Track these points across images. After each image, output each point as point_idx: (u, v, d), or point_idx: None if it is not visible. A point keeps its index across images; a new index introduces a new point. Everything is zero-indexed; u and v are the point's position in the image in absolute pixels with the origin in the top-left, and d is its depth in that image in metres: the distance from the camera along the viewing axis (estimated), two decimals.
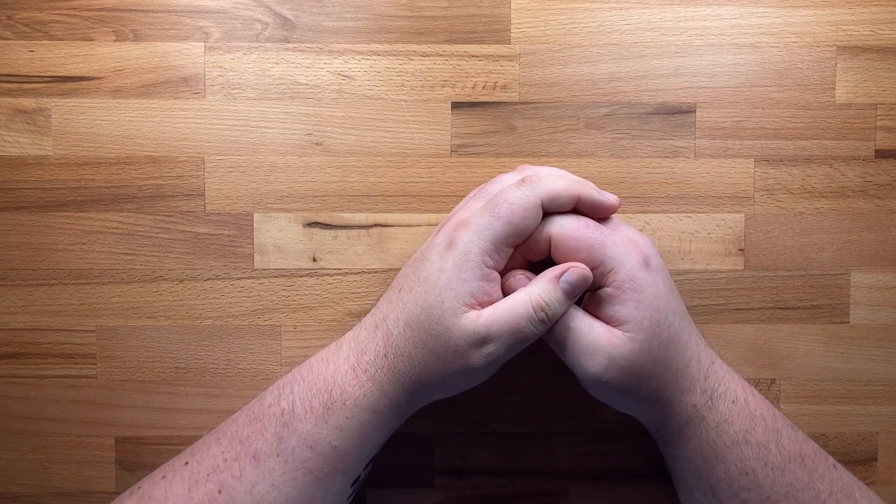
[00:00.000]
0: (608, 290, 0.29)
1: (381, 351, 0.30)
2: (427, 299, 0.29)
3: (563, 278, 0.29)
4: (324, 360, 0.31)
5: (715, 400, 0.30)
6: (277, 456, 0.29)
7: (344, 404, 0.29)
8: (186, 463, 0.30)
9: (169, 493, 0.29)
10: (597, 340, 0.29)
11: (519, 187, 0.30)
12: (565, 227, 0.30)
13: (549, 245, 0.30)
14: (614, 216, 0.32)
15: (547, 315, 0.29)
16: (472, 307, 0.29)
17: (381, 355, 0.30)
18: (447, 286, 0.29)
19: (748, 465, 0.30)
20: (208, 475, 0.29)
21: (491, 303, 0.29)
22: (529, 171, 0.32)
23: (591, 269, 0.29)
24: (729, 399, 0.30)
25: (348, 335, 0.32)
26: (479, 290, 0.29)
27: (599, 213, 0.31)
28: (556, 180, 0.30)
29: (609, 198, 0.31)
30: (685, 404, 0.30)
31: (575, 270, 0.29)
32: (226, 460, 0.29)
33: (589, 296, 0.31)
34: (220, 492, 0.29)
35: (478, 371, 0.29)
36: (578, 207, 0.31)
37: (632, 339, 0.29)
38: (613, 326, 0.30)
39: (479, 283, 0.29)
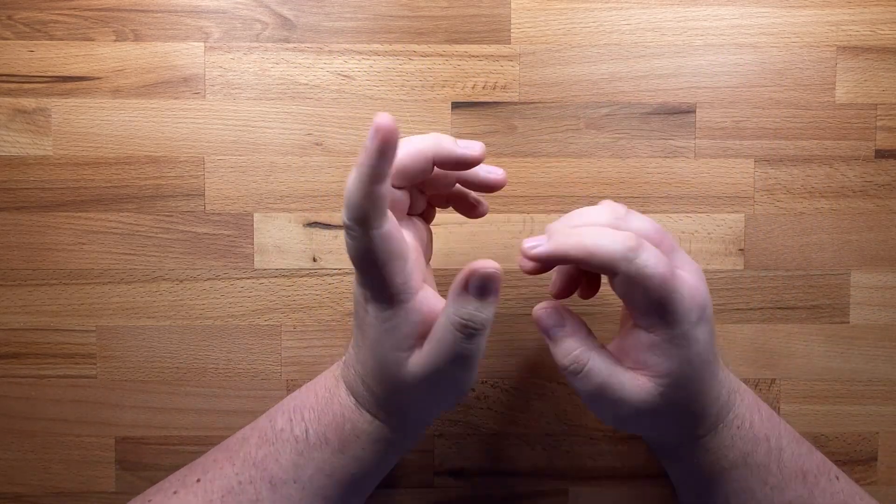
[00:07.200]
0: (656, 338, 0.27)
1: (369, 397, 0.30)
2: (375, 357, 0.28)
3: (470, 286, 0.26)
4: (328, 390, 0.31)
5: (719, 430, 0.30)
6: (295, 482, 0.29)
7: (357, 437, 0.29)
8: (198, 480, 0.30)
9: None
10: (624, 394, 0.28)
11: (345, 230, 0.27)
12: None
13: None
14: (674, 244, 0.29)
15: (474, 328, 0.26)
16: (412, 348, 0.27)
17: (371, 401, 0.30)
18: (383, 341, 0.27)
19: (746, 485, 0.30)
20: (223, 496, 0.29)
21: (428, 326, 0.27)
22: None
23: (648, 314, 0.27)
24: (734, 426, 0.30)
25: (342, 368, 0.31)
26: (414, 327, 0.27)
27: (461, 167, 0.29)
28: (358, 199, 0.25)
29: (472, 148, 0.28)
30: (689, 434, 0.30)
31: (477, 274, 0.26)
32: (240, 483, 0.29)
33: (635, 333, 0.28)
34: None
35: (452, 396, 0.29)
36: (439, 165, 0.28)
37: (661, 394, 0.28)
38: (644, 375, 0.28)
39: (409, 322, 0.27)
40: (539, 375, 0.38)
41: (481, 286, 0.26)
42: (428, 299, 0.28)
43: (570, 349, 0.28)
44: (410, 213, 0.30)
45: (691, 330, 0.27)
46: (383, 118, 0.23)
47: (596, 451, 0.38)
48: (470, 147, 0.28)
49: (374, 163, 0.24)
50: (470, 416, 0.38)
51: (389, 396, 0.29)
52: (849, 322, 0.38)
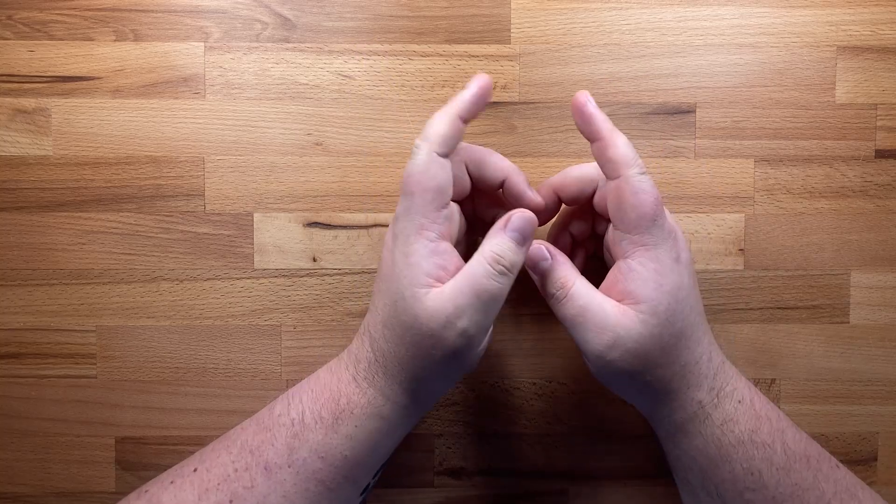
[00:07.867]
0: (633, 263, 0.29)
1: (371, 357, 0.30)
2: (391, 296, 0.29)
3: (508, 227, 0.29)
4: (329, 370, 0.31)
5: (721, 399, 0.30)
6: (289, 467, 0.29)
7: (352, 413, 0.29)
8: (195, 469, 0.30)
9: (178, 499, 0.29)
10: (606, 319, 0.29)
11: (414, 151, 0.30)
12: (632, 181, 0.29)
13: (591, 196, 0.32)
14: None
15: (505, 266, 0.29)
16: (431, 286, 0.29)
17: (373, 361, 0.30)
18: (402, 276, 0.29)
19: (753, 465, 0.30)
20: (219, 484, 0.29)
21: (451, 275, 0.29)
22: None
23: (632, 229, 0.29)
24: (735, 399, 0.30)
25: (354, 341, 0.32)
26: (434, 267, 0.29)
27: (520, 201, 0.32)
28: (441, 125, 0.30)
29: (538, 197, 0.33)
30: (691, 399, 0.30)
31: (518, 217, 0.30)
32: (236, 470, 0.29)
33: (616, 267, 0.30)
34: (231, 502, 0.28)
35: (463, 350, 0.29)
36: (504, 190, 0.33)
37: (643, 322, 0.28)
38: (628, 304, 0.29)
39: (430, 261, 0.29)
40: (539, 375, 0.38)
41: (518, 227, 0.29)
42: (452, 252, 0.30)
43: (557, 277, 0.31)
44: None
45: (666, 259, 0.29)
46: (482, 77, 0.30)
47: (596, 451, 0.38)
48: (537, 197, 0.33)
49: (467, 98, 0.30)
50: (470, 416, 0.38)
51: (397, 345, 0.29)
52: (849, 322, 0.38)
